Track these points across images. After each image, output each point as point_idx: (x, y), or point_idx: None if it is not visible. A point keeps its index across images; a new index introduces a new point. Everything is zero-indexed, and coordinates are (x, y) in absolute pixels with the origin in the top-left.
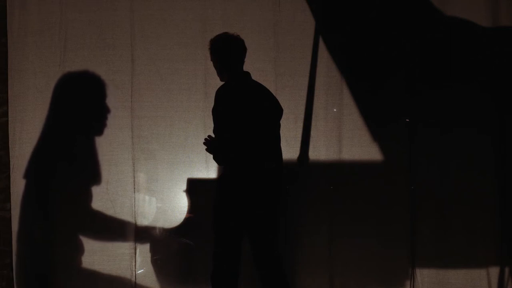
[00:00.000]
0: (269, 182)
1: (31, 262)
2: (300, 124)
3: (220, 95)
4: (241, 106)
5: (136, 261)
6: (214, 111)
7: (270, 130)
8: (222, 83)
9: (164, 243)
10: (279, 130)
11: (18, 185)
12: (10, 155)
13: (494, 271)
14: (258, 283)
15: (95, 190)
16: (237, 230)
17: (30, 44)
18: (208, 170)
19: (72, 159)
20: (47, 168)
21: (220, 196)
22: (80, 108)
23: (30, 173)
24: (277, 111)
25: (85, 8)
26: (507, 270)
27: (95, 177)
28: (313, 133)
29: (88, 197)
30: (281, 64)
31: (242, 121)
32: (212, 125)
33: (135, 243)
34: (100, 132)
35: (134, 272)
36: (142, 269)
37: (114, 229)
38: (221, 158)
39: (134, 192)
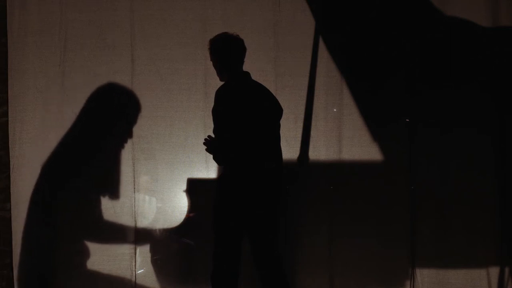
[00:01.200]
0: (269, 182)
1: (31, 262)
2: (300, 124)
3: (220, 95)
4: (241, 106)
5: (136, 261)
6: (214, 111)
7: (270, 130)
8: (222, 83)
9: (164, 243)
10: (279, 130)
11: (18, 185)
12: (10, 155)
13: (494, 271)
14: (258, 283)
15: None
16: (237, 230)
17: (30, 44)
18: (208, 170)
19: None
20: (63, 172)
21: (220, 196)
22: (107, 123)
23: (45, 175)
24: (277, 111)
25: (85, 8)
26: (507, 270)
27: (114, 193)
28: (313, 133)
29: (98, 205)
30: (281, 64)
31: (242, 121)
32: (212, 125)
33: (135, 243)
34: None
35: (134, 272)
36: (142, 269)
37: (115, 230)
38: (221, 158)
39: (134, 192)
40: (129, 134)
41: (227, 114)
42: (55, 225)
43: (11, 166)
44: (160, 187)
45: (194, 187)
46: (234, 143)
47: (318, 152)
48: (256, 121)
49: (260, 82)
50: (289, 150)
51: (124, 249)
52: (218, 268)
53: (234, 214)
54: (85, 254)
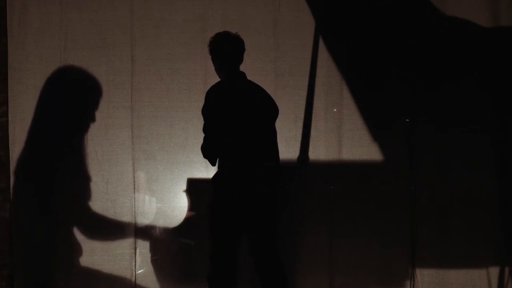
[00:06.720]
0: (267, 182)
1: (31, 262)
2: (300, 124)
3: (210, 94)
4: (229, 106)
5: (136, 261)
6: (202, 110)
7: (263, 130)
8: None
9: (164, 243)
10: (275, 129)
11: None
12: (10, 155)
13: (494, 271)
14: (258, 283)
15: (94, 189)
16: (234, 230)
17: (30, 44)
18: (208, 170)
19: (68, 158)
20: (45, 167)
21: (215, 195)
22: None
23: (25, 172)
24: (272, 110)
25: (85, 7)
26: (507, 270)
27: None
28: (313, 133)
29: (86, 196)
30: (281, 64)
31: (230, 120)
32: None
33: (135, 243)
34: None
35: (134, 272)
36: (142, 269)
37: (114, 228)
38: (208, 157)
39: (134, 192)
40: (92, 118)
41: (215, 113)
42: (52, 222)
43: (11, 166)
44: (160, 187)
45: (194, 187)
46: (220, 143)
47: (318, 152)
48: (246, 121)
49: (259, 82)
50: (289, 150)
51: (124, 249)
52: (214, 269)
53: (230, 214)
54: (83, 252)
